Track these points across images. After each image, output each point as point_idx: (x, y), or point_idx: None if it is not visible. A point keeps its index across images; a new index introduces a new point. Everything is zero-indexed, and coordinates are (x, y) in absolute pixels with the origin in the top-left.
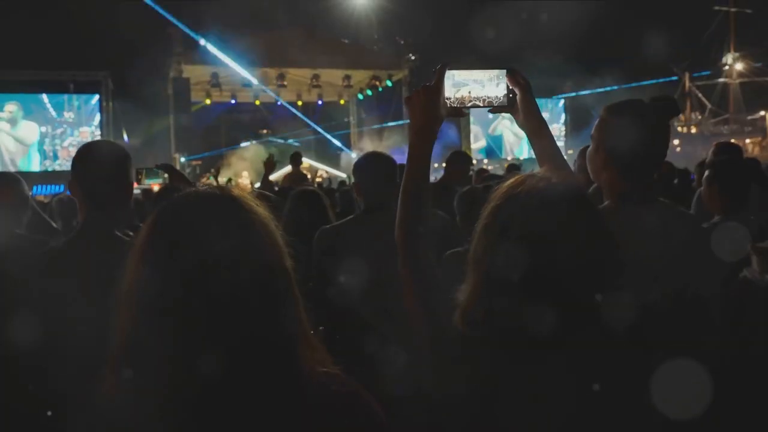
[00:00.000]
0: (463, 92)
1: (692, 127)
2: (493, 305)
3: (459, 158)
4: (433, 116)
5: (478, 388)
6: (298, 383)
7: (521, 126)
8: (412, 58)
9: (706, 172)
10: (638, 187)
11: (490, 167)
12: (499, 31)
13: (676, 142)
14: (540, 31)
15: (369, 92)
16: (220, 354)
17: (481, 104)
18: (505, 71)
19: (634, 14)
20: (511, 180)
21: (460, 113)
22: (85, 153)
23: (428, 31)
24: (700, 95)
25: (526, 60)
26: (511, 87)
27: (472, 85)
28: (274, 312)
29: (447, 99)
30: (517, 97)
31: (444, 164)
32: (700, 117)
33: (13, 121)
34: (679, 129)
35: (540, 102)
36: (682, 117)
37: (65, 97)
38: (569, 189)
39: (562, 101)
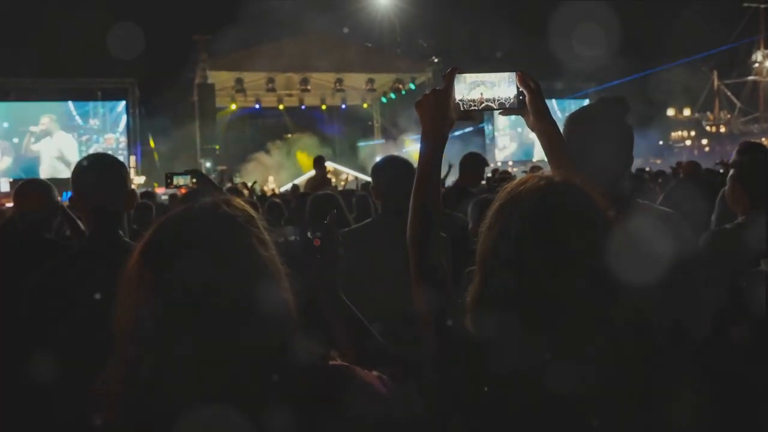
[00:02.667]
0: (474, 94)
1: (721, 126)
2: (497, 305)
3: (473, 160)
4: (443, 119)
5: (482, 387)
6: (297, 378)
7: (531, 127)
8: (435, 60)
9: (730, 172)
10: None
11: (515, 169)
12: (521, 31)
13: (704, 141)
14: (563, 30)
15: (393, 95)
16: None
17: (494, 105)
18: (514, 74)
19: (661, 11)
20: (516, 180)
21: (471, 116)
22: (81, 167)
23: (451, 33)
24: (729, 94)
25: (550, 60)
26: (521, 89)
27: (484, 86)
28: (263, 327)
29: (459, 101)
30: (527, 99)
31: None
32: (729, 116)
33: (49, 133)
34: (708, 128)
35: (564, 102)
36: (710, 116)
37: (90, 104)
38: (569, 188)
39: (587, 101)
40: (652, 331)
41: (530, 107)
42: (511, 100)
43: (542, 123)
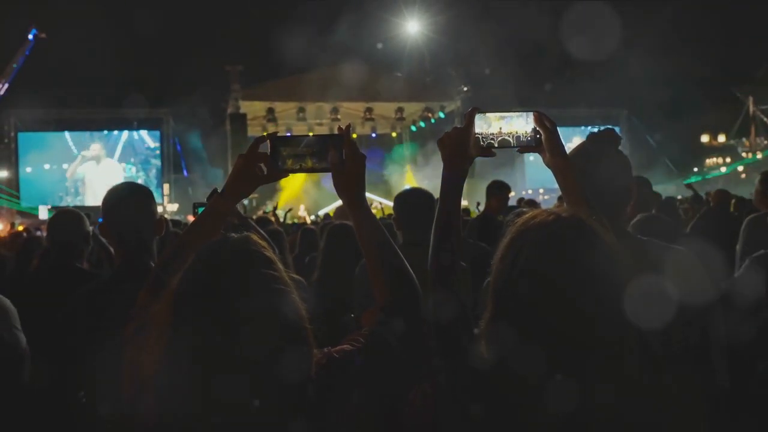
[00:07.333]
0: (493, 128)
1: (758, 152)
2: (506, 335)
3: (497, 188)
4: (463, 156)
5: (499, 414)
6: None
7: (547, 164)
8: (465, 89)
9: (759, 176)
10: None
11: (546, 197)
12: (548, 60)
13: (740, 168)
14: (590, 58)
15: (422, 124)
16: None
17: (511, 140)
18: (531, 113)
19: (693, 37)
20: (527, 215)
21: (489, 153)
22: (108, 197)
23: (480, 61)
24: (765, 119)
25: (576, 89)
26: (537, 128)
27: (503, 121)
28: (282, 353)
29: (478, 135)
30: (543, 138)
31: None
32: (766, 142)
33: (98, 159)
34: (744, 155)
35: (566, 129)
36: (746, 142)
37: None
38: (577, 223)
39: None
40: (658, 363)
41: (546, 145)
42: (529, 136)
43: (558, 161)
